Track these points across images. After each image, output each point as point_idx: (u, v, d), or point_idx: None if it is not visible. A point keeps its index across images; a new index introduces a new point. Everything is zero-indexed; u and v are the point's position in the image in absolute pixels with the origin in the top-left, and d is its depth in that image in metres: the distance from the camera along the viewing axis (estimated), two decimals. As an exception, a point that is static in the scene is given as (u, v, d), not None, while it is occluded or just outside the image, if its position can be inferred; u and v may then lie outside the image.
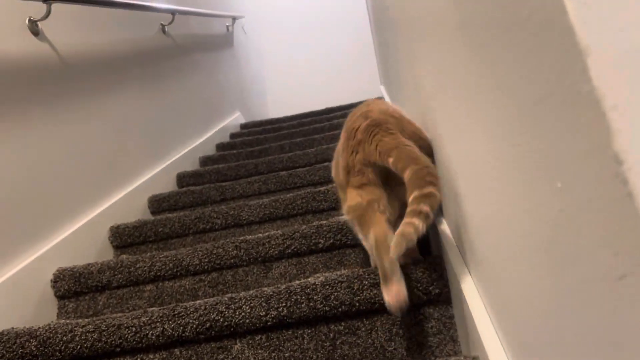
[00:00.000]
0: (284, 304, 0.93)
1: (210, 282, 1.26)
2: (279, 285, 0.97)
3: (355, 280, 0.94)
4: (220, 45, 3.49)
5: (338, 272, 0.97)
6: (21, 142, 1.28)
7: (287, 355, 0.93)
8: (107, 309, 1.28)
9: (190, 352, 0.95)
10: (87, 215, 1.51)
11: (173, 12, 2.40)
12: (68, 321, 1.01)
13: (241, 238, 1.28)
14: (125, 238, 1.59)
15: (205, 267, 1.26)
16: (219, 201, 1.85)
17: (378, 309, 0.93)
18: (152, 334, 0.95)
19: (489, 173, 0.50)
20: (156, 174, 2.02)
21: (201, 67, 2.94)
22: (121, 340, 0.96)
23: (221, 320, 0.94)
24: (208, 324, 0.94)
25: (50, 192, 1.36)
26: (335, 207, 1.54)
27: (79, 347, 0.96)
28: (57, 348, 0.96)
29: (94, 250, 1.50)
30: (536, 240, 0.38)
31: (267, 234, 1.27)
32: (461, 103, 0.59)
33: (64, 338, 0.97)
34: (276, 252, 1.25)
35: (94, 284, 1.30)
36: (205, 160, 2.54)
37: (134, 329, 0.96)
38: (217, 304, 0.96)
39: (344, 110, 3.21)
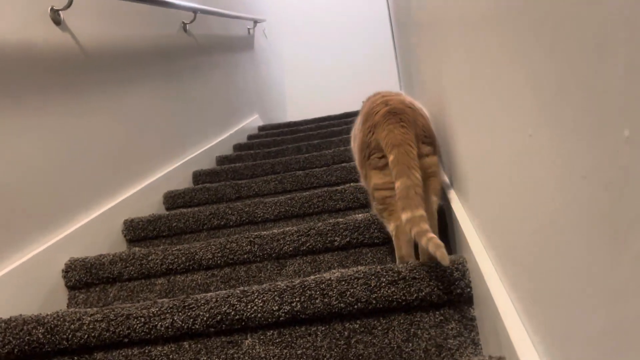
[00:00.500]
0: (297, 299, 0.90)
1: (222, 277, 1.23)
2: (293, 280, 0.94)
3: (373, 277, 0.90)
4: (240, 48, 3.49)
5: (355, 268, 0.93)
6: (40, 130, 1.27)
7: (299, 352, 0.89)
8: (117, 301, 1.26)
9: (199, 345, 0.92)
10: (101, 207, 1.50)
11: (195, 11, 2.40)
12: (77, 309, 0.98)
13: (255, 233, 1.25)
14: (139, 232, 1.58)
15: (218, 262, 1.24)
16: (234, 199, 1.83)
17: (395, 307, 0.89)
18: (161, 325, 0.92)
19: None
20: (172, 171, 2.01)
21: (221, 68, 2.94)
22: (129, 331, 0.93)
23: (232, 313, 0.91)
24: (219, 317, 0.91)
25: (66, 181, 1.35)
26: (352, 207, 1.51)
27: (86, 336, 0.93)
28: (65, 336, 0.94)
29: (107, 243, 1.49)
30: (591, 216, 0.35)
31: (281, 230, 1.24)
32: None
33: (72, 326, 0.94)
34: (291, 248, 1.22)
35: (105, 275, 1.28)
36: (222, 160, 2.53)
37: (143, 319, 0.93)
38: (229, 296, 0.93)
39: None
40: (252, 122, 3.44)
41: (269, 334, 0.91)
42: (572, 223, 0.36)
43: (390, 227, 1.00)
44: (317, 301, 0.89)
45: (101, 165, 1.53)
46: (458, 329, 0.86)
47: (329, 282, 0.91)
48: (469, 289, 0.87)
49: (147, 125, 1.88)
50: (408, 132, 0.93)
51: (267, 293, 0.92)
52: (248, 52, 3.70)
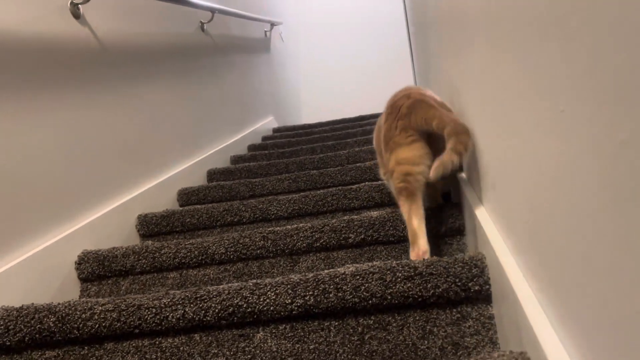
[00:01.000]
0: (310, 293, 0.88)
1: (235, 272, 1.22)
2: (306, 274, 0.92)
3: (388, 272, 0.88)
4: (257, 50, 3.50)
5: (370, 263, 0.91)
6: (57, 123, 1.27)
7: (311, 347, 0.87)
8: (129, 294, 1.25)
9: (210, 338, 0.91)
10: (116, 201, 1.50)
11: (213, 10, 2.41)
12: (88, 299, 0.98)
13: (269, 229, 1.24)
14: (152, 227, 1.57)
15: (231, 257, 1.23)
16: (248, 197, 1.82)
17: (411, 303, 0.87)
18: (172, 317, 0.91)
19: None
20: (187, 168, 2.01)
21: (237, 69, 2.95)
22: (140, 322, 0.92)
23: (244, 306, 0.89)
24: (231, 309, 0.89)
25: (82, 174, 1.35)
26: (367, 205, 1.49)
27: (97, 325, 0.93)
28: (75, 325, 0.93)
29: (121, 237, 1.49)
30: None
31: (295, 225, 1.23)
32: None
33: (83, 315, 0.94)
34: (304, 244, 1.20)
35: (117, 268, 1.27)
36: (236, 159, 2.52)
37: (154, 310, 0.92)
38: (241, 289, 0.91)
39: (377, 118, 3.16)
40: (266, 123, 3.44)
41: (281, 327, 0.90)
42: (610, 197, 0.34)
43: (404, 208, 1.01)
44: (330, 295, 0.88)
45: (116, 160, 1.53)
46: (475, 327, 0.84)
47: (344, 276, 0.89)
48: (487, 286, 0.84)
49: (163, 123, 1.88)
50: (439, 109, 1.00)
51: (280, 286, 0.90)
52: (264, 54, 3.71)
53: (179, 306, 0.91)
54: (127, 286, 1.27)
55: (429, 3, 1.65)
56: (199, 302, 0.91)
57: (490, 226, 0.85)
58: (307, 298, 0.88)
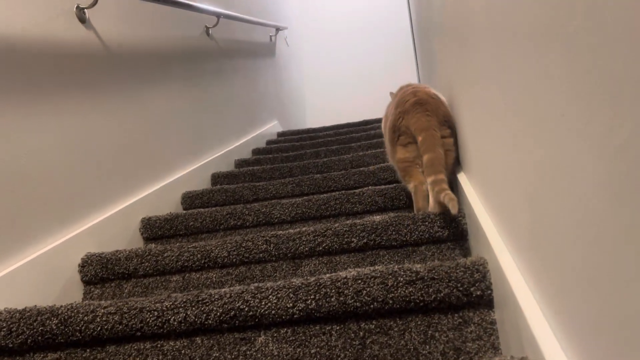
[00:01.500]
0: (312, 297, 0.88)
1: (237, 275, 1.22)
2: (308, 278, 0.92)
3: (390, 277, 0.88)
4: (262, 54, 3.51)
5: (371, 267, 0.91)
6: (62, 125, 1.28)
7: (312, 351, 0.87)
8: (131, 297, 1.25)
9: (212, 341, 0.91)
10: (119, 204, 1.50)
11: (218, 15, 2.42)
12: (91, 302, 0.98)
13: (272, 233, 1.24)
14: (155, 230, 1.58)
15: (234, 260, 1.23)
16: (252, 201, 1.82)
17: (413, 308, 0.87)
18: (174, 320, 0.91)
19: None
20: (191, 172, 2.01)
21: (242, 73, 2.96)
22: (142, 324, 0.92)
23: (246, 309, 0.89)
24: (232, 313, 0.89)
25: (86, 176, 1.36)
26: (370, 210, 1.49)
27: (99, 328, 0.93)
28: (78, 328, 0.94)
29: (124, 240, 1.49)
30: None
31: (298, 229, 1.23)
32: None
33: (85, 318, 0.94)
34: (307, 248, 1.20)
35: (120, 271, 1.28)
36: (240, 163, 2.53)
37: (156, 313, 0.92)
38: (242, 292, 0.91)
39: (380, 123, 3.16)
40: (271, 127, 3.45)
41: (282, 331, 0.89)
42: (609, 200, 0.34)
43: (411, 186, 1.27)
44: (332, 299, 0.87)
45: (121, 163, 1.53)
46: (477, 332, 0.83)
47: (345, 280, 0.89)
48: (489, 291, 0.84)
49: (168, 126, 1.89)
50: (432, 119, 1.19)
51: (281, 290, 0.90)
52: (269, 59, 3.72)
53: (180, 309, 0.92)
54: (130, 289, 1.27)
55: (433, 8, 1.66)
56: (200, 305, 0.91)
57: (492, 231, 0.85)
58: (308, 302, 0.88)
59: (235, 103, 2.77)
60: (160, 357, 0.91)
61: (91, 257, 1.30)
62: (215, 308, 0.90)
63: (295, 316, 0.89)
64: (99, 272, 1.28)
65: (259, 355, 0.88)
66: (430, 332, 0.85)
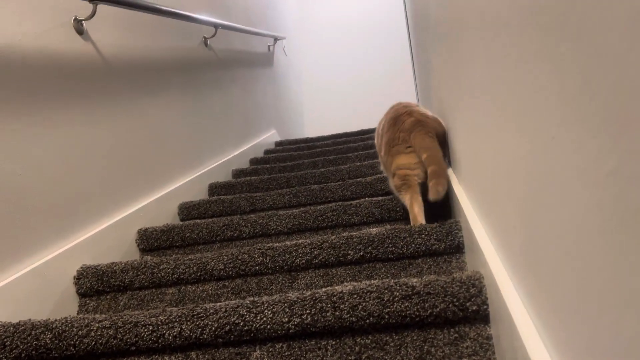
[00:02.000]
0: (308, 311, 0.88)
1: (233, 288, 1.21)
2: (304, 292, 0.92)
3: (386, 291, 0.87)
4: (260, 64, 3.52)
5: (367, 282, 0.91)
6: (58, 136, 1.28)
7: (308, 366, 0.86)
8: (127, 309, 1.25)
9: (207, 356, 0.90)
10: (116, 216, 1.50)
11: (216, 26, 2.43)
12: (85, 315, 0.97)
13: (268, 245, 1.24)
14: (152, 241, 1.57)
15: (230, 273, 1.22)
16: (249, 211, 1.82)
17: (409, 323, 0.86)
18: (169, 334, 0.91)
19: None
20: (188, 182, 2.01)
21: (240, 83, 2.97)
22: (137, 339, 0.92)
23: (241, 324, 0.89)
24: (227, 327, 0.89)
25: (82, 188, 1.36)
26: (366, 221, 1.48)
27: (93, 342, 0.92)
28: (72, 342, 0.93)
29: (120, 252, 1.49)
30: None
31: (294, 242, 1.23)
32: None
33: (80, 332, 0.93)
34: (303, 261, 1.20)
35: (116, 283, 1.27)
36: (238, 173, 2.53)
37: (151, 327, 0.92)
38: (238, 306, 0.91)
39: (379, 132, 3.16)
40: (269, 137, 3.45)
41: (278, 346, 0.89)
42: (599, 225, 0.34)
43: (407, 198, 1.28)
44: (328, 314, 0.87)
45: (118, 174, 1.53)
46: (473, 347, 0.83)
47: (341, 294, 0.88)
48: (485, 306, 0.84)
49: (165, 136, 1.89)
50: (434, 140, 1.27)
51: (277, 304, 0.90)
52: (267, 69, 3.73)
53: (175, 324, 0.91)
54: (126, 302, 1.26)
55: (429, 20, 1.67)
56: (195, 319, 0.91)
57: (488, 245, 0.85)
58: (304, 317, 0.87)
59: (234, 112, 2.78)
60: (155, 372, 0.91)
61: (87, 269, 1.29)
62: (210, 322, 0.90)
63: (290, 331, 0.88)
64: (95, 284, 1.28)
65: (254, 370, 0.87)
66: (426, 347, 0.85)
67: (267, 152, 3.22)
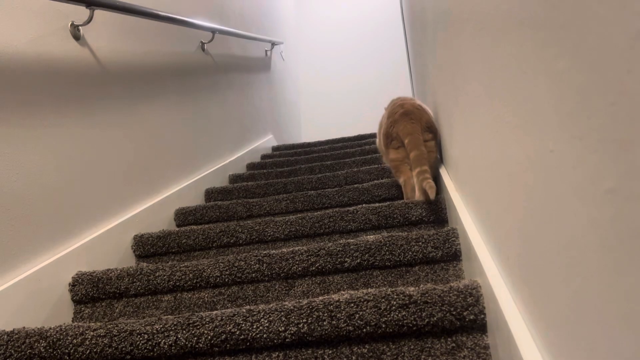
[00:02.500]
0: (304, 320, 0.87)
1: (230, 295, 1.21)
2: (300, 300, 0.91)
3: (383, 300, 0.87)
4: (257, 69, 3.53)
5: (364, 291, 0.90)
6: (54, 142, 1.28)
7: (304, 376, 0.86)
8: (123, 317, 1.24)
9: (202, 365, 0.90)
10: (111, 222, 1.49)
11: (213, 31, 2.43)
12: (80, 324, 0.97)
13: (264, 252, 1.23)
14: (148, 248, 1.57)
15: (226, 280, 1.22)
16: (246, 217, 1.82)
17: (406, 332, 0.86)
18: (164, 343, 0.90)
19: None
20: (184, 188, 2.00)
21: (237, 88, 2.97)
22: (132, 347, 0.91)
23: (237, 333, 0.88)
24: (223, 336, 0.88)
25: (77, 194, 1.35)
26: (363, 228, 1.48)
27: (88, 351, 0.92)
28: (66, 351, 0.92)
29: (116, 258, 1.48)
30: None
31: (291, 249, 1.22)
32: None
33: (74, 341, 0.93)
34: (300, 268, 1.19)
35: (111, 290, 1.27)
36: (234, 178, 2.52)
37: (146, 336, 0.91)
38: (234, 315, 0.90)
39: (375, 138, 3.17)
40: (266, 142, 3.45)
41: (274, 355, 0.88)
42: (597, 243, 0.34)
43: (401, 180, 1.55)
44: (324, 323, 0.87)
45: (113, 180, 1.53)
46: (471, 356, 0.83)
47: (338, 303, 0.88)
48: (482, 316, 0.83)
49: (162, 142, 1.88)
50: (416, 126, 1.48)
51: (273, 313, 0.89)
52: (264, 73, 3.74)
53: (171, 332, 0.91)
54: (121, 309, 1.26)
55: (427, 26, 1.67)
56: (191, 328, 0.90)
57: (485, 254, 0.85)
58: (300, 326, 0.87)
59: (231, 117, 2.77)
60: (150, 381, 0.90)
61: (82, 276, 1.28)
62: (206, 331, 0.89)
63: (287, 340, 0.88)
64: (90, 291, 1.27)
65: (250, 379, 0.87)
66: (423, 356, 0.84)
67: (264, 157, 3.21)
